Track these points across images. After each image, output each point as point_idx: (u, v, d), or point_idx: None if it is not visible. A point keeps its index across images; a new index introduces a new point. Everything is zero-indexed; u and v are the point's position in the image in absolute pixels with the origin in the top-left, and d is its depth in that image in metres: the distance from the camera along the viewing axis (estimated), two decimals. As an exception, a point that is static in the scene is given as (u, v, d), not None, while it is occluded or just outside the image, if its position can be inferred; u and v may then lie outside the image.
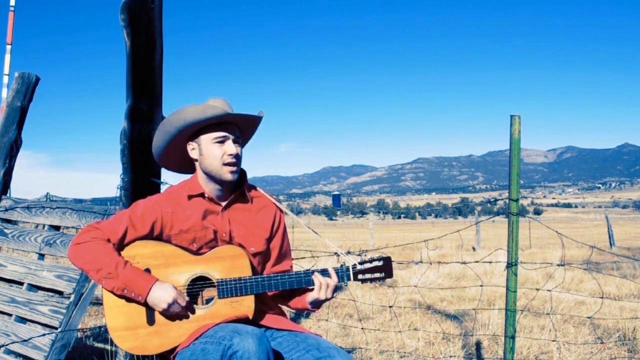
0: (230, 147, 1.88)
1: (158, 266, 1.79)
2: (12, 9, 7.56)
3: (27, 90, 3.15)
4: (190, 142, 1.93)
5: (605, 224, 17.85)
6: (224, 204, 1.93)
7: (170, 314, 1.76)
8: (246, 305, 1.81)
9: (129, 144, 2.42)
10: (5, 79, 7.20)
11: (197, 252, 1.85)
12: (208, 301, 1.81)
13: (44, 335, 2.49)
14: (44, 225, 2.85)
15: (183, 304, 1.74)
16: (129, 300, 1.76)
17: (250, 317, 1.81)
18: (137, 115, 2.39)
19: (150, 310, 1.77)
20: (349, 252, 2.11)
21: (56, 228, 2.83)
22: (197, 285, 1.81)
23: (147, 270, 1.78)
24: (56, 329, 2.46)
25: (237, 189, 1.97)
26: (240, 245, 1.89)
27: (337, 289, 1.88)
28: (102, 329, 3.95)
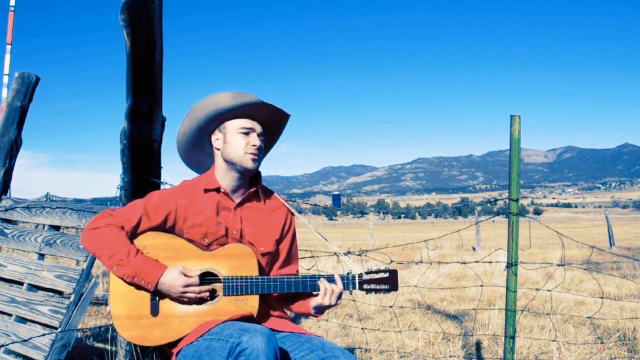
0: (255, 139, 1.91)
1: (166, 258, 1.81)
2: (12, 9, 7.55)
3: (27, 90, 3.15)
4: (215, 132, 1.95)
5: (605, 224, 17.85)
6: (237, 201, 1.95)
7: (183, 300, 1.77)
8: (250, 304, 1.81)
9: (129, 144, 2.42)
10: (5, 79, 7.20)
11: (206, 248, 1.87)
12: (213, 297, 1.82)
13: (44, 335, 2.49)
14: (44, 225, 2.85)
15: (196, 289, 1.75)
16: (138, 288, 1.77)
17: (254, 317, 1.81)
18: (137, 115, 2.39)
19: (155, 301, 1.78)
20: (348, 252, 2.11)
21: (56, 228, 2.83)
22: (204, 280, 1.83)
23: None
24: (56, 329, 2.46)
25: (251, 187, 1.98)
26: (251, 244, 1.91)
27: (341, 296, 1.88)
28: (102, 329, 3.95)
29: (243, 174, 1.93)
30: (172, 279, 1.74)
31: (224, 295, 1.80)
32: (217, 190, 1.93)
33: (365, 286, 1.89)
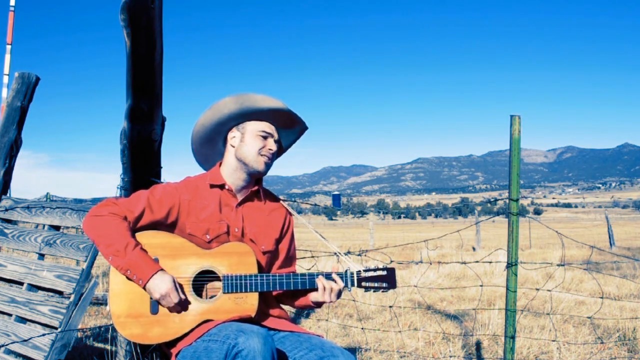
0: (272, 144, 1.96)
1: (166, 256, 1.81)
2: (12, 9, 7.55)
3: (27, 90, 3.15)
4: (233, 129, 1.98)
5: (605, 224, 17.84)
6: (239, 199, 1.97)
7: (164, 306, 1.77)
8: (250, 302, 1.82)
9: (129, 144, 2.42)
10: (5, 79, 7.20)
11: (207, 245, 1.88)
12: (212, 295, 1.82)
13: (44, 335, 2.49)
14: (44, 225, 2.85)
15: (175, 300, 1.73)
16: (134, 286, 1.78)
17: (253, 315, 1.82)
18: (137, 115, 2.39)
19: (154, 300, 1.78)
20: (348, 252, 2.12)
21: (56, 228, 2.83)
22: (204, 278, 1.83)
23: (155, 260, 1.80)
24: (56, 329, 2.46)
25: (253, 187, 2.01)
26: (252, 242, 1.93)
27: (340, 293, 1.90)
28: (102, 329, 3.95)
29: (252, 175, 1.96)
30: (151, 287, 1.73)
31: (224, 293, 1.81)
32: (222, 187, 1.95)
33: (364, 284, 1.90)
